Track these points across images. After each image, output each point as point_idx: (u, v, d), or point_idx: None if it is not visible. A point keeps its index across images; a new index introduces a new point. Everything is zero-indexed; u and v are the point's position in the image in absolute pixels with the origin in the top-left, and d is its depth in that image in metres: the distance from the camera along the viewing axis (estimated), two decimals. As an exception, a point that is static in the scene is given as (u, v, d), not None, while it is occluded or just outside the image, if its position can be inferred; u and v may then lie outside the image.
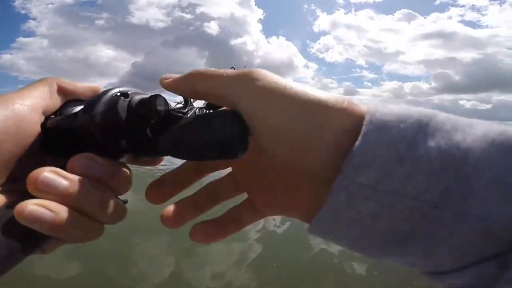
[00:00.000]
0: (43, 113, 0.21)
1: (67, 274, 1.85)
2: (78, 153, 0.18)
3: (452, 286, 0.16)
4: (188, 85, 0.19)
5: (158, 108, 0.18)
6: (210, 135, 0.16)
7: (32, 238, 0.17)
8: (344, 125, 0.16)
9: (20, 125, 0.19)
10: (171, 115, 0.19)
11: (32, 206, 0.16)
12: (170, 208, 0.23)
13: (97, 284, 1.77)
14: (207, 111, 0.20)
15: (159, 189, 0.24)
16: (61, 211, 0.17)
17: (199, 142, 0.17)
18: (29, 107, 0.20)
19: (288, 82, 0.17)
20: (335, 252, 2.16)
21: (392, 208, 0.15)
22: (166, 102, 0.19)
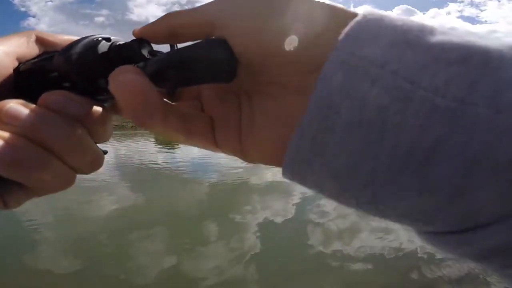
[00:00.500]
0: (18, 59, 0.20)
1: (66, 269, 1.84)
2: None
3: (473, 252, 0.12)
4: (164, 25, 0.17)
5: (143, 51, 0.17)
6: (201, 57, 0.15)
7: None
8: (338, 17, 0.13)
9: None
10: None
11: None
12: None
13: (95, 279, 1.77)
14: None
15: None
16: (24, 145, 0.15)
17: (189, 65, 0.15)
18: (2, 51, 0.19)
19: None
20: (335, 248, 2.16)
21: (407, 103, 0.11)
22: (151, 47, 0.18)
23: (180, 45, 0.17)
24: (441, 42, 0.11)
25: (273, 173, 4.89)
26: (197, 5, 0.18)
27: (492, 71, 0.10)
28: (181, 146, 10.38)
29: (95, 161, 0.18)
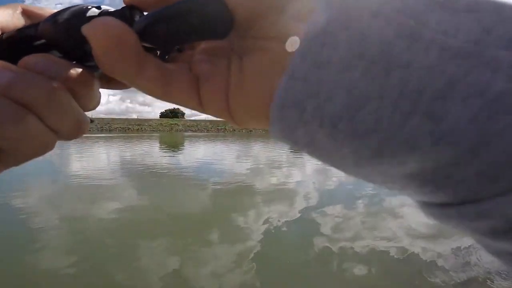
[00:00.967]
0: (1, 29, 0.19)
1: (69, 270, 1.85)
2: None
3: (489, 227, 0.10)
4: None
5: (135, 19, 0.16)
6: (194, 10, 0.14)
7: None
8: None
9: None
10: None
11: None
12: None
13: (98, 281, 1.77)
14: None
15: None
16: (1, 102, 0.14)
17: (181, 18, 0.15)
18: None
19: None
20: (337, 251, 2.14)
21: (413, 42, 0.09)
22: (142, 14, 0.17)
23: None
24: None
25: (277, 178, 4.88)
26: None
27: (505, 19, 0.09)
28: (185, 149, 10.45)
29: (78, 125, 0.17)
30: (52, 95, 0.15)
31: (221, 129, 25.71)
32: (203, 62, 0.16)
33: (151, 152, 8.94)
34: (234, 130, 25.14)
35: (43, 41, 0.17)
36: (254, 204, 3.36)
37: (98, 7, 0.17)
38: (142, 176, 4.96)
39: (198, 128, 25.57)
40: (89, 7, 0.17)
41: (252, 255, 2.13)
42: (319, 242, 2.39)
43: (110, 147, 10.09)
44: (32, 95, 0.15)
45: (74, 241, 2.29)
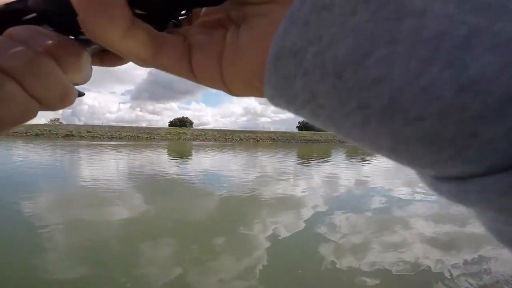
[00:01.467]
0: None
1: (74, 275, 1.86)
2: None
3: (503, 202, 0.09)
4: None
5: None
6: None
7: None
8: None
9: None
10: None
11: None
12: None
13: (102, 287, 1.77)
14: None
15: None
16: None
17: None
18: None
19: None
20: (344, 262, 2.09)
21: None
22: None
23: None
24: None
25: (283, 187, 4.84)
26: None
27: None
28: (193, 158, 10.50)
29: (63, 95, 0.17)
30: (33, 63, 0.15)
31: (229, 138, 25.81)
32: (198, 33, 0.15)
33: (160, 161, 9.02)
34: (241, 140, 25.20)
35: (33, 15, 0.17)
36: (261, 213, 3.33)
37: None
38: (150, 182, 4.99)
39: (206, 138, 25.70)
40: None
41: (258, 262, 2.10)
42: (327, 252, 2.34)
43: (120, 155, 10.21)
44: (12, 62, 0.14)
45: (81, 244, 2.30)
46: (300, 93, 0.10)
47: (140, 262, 2.08)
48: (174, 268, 2.03)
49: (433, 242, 2.62)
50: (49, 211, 3.23)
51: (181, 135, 26.05)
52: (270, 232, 2.76)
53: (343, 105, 0.09)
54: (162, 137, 25.00)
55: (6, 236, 2.45)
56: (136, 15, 0.13)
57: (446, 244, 2.56)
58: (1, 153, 9.59)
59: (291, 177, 6.06)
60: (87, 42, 0.17)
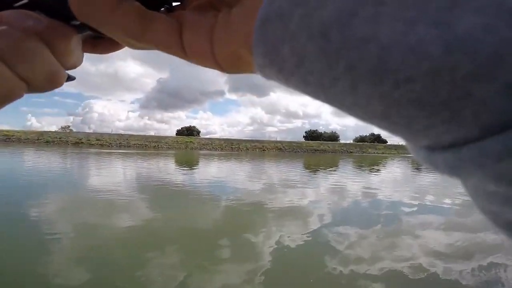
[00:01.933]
0: None
1: (78, 280, 1.85)
2: None
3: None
4: None
5: None
6: None
7: None
8: None
9: None
10: None
11: None
12: None
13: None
14: None
15: None
16: None
17: None
18: None
19: None
20: (347, 270, 2.04)
21: None
22: None
23: None
24: None
25: (290, 198, 4.80)
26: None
27: None
28: (199, 167, 10.52)
29: (50, 77, 0.17)
30: (21, 44, 0.15)
31: (235, 148, 25.89)
32: (191, 14, 0.15)
33: (167, 168, 9.06)
34: (248, 149, 25.22)
35: (25, 1, 0.17)
36: (267, 221, 3.30)
37: None
38: (157, 190, 5.01)
39: (212, 147, 25.84)
40: None
41: (262, 271, 2.06)
42: (332, 262, 2.29)
43: (128, 163, 10.29)
44: (0, 43, 0.15)
45: (86, 250, 2.30)
46: (288, 58, 0.10)
47: (145, 268, 2.07)
48: (179, 273, 2.01)
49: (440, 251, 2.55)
50: (58, 217, 3.26)
51: (188, 144, 26.25)
52: (278, 241, 2.72)
53: (331, 68, 0.09)
54: (170, 145, 25.22)
55: (15, 240, 2.47)
56: None
57: (455, 253, 2.48)
58: (13, 159, 9.79)
59: (298, 185, 6.01)
60: (79, 28, 0.17)
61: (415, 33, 0.08)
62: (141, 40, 0.15)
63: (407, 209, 4.26)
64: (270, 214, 3.75)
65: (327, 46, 0.09)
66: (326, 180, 7.31)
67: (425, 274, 2.17)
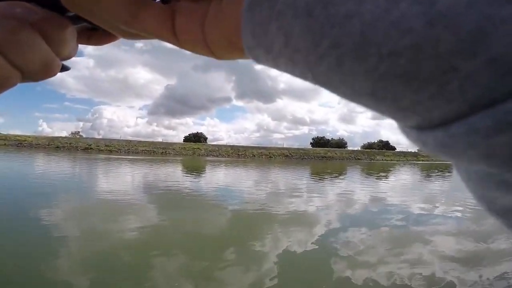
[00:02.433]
0: None
1: (83, 282, 1.86)
2: None
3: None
4: None
5: None
6: None
7: None
8: None
9: None
10: None
11: None
12: None
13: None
14: None
15: None
16: None
17: None
18: None
19: None
20: (357, 279, 2.00)
21: None
22: None
23: None
24: None
25: (296, 204, 4.76)
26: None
27: None
28: (206, 174, 10.54)
29: (45, 66, 0.17)
30: (15, 33, 0.15)
31: (242, 154, 25.90)
32: (184, 1, 0.15)
33: (174, 174, 9.10)
34: (254, 156, 25.20)
35: None
36: (273, 228, 3.27)
37: None
38: (164, 195, 5.02)
39: (219, 153, 25.89)
40: None
41: (270, 277, 2.04)
42: (340, 268, 2.26)
43: (136, 169, 10.38)
44: None
45: (93, 253, 2.32)
46: (276, 38, 0.10)
47: (152, 273, 2.06)
48: (185, 280, 2.00)
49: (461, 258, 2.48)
50: (67, 221, 3.30)
51: (196, 151, 26.37)
52: (283, 243, 2.69)
53: (317, 45, 0.09)
54: (177, 152, 25.38)
55: (24, 243, 2.50)
56: None
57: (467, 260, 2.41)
58: (25, 164, 9.98)
59: (304, 192, 5.96)
60: (73, 19, 0.18)
61: (398, 9, 0.08)
62: (133, 25, 0.14)
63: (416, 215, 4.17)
64: (277, 221, 3.72)
65: (311, 23, 0.09)
66: (333, 188, 7.23)
67: (442, 283, 2.12)
